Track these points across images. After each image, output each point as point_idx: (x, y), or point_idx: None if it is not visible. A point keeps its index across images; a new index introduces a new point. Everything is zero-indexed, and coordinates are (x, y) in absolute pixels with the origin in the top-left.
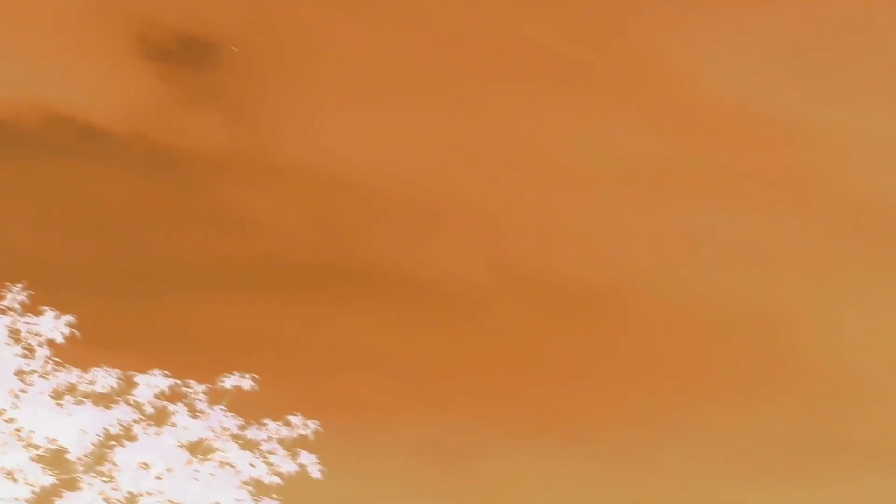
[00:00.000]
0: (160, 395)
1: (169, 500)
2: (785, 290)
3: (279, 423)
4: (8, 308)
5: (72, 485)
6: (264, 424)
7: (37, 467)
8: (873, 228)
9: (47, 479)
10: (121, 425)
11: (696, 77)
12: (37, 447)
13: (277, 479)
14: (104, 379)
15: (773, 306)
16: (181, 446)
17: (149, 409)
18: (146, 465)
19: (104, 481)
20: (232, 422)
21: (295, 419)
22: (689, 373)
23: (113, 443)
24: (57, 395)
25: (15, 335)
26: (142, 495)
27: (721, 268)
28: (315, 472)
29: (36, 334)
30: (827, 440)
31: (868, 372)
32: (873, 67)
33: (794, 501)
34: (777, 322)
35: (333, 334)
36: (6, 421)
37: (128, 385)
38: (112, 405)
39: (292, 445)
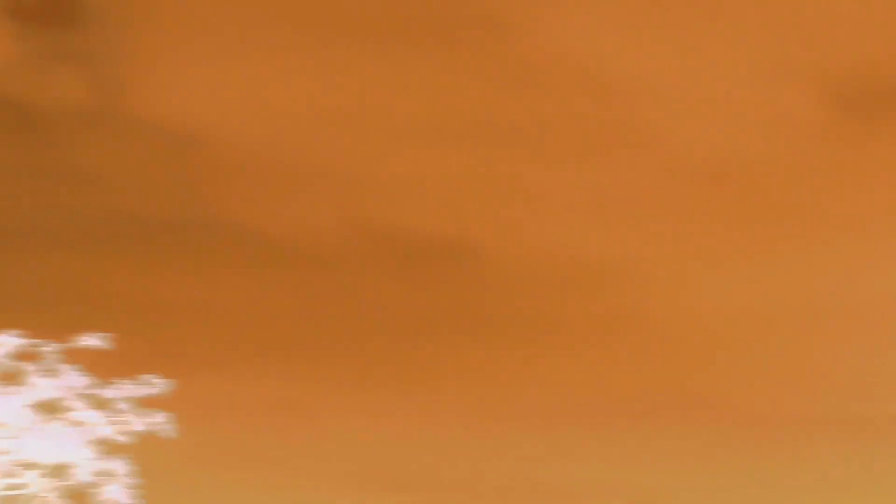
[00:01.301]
0: (13, 355)
1: (19, 460)
2: (630, 245)
3: (132, 382)
4: None
5: None
6: (117, 383)
7: None
8: (712, 183)
9: None
10: None
11: (540, 32)
12: None
13: (128, 438)
14: None
15: (619, 261)
16: (33, 405)
17: (1, 369)
18: None
19: None
20: (84, 381)
21: (148, 377)
22: (538, 327)
23: None
24: None
25: None
26: None
27: (567, 222)
28: (166, 430)
29: None
30: (676, 394)
31: (715, 327)
32: (709, 25)
33: (645, 456)
34: (623, 276)
35: (188, 292)
36: None
37: None
38: None
39: (144, 404)
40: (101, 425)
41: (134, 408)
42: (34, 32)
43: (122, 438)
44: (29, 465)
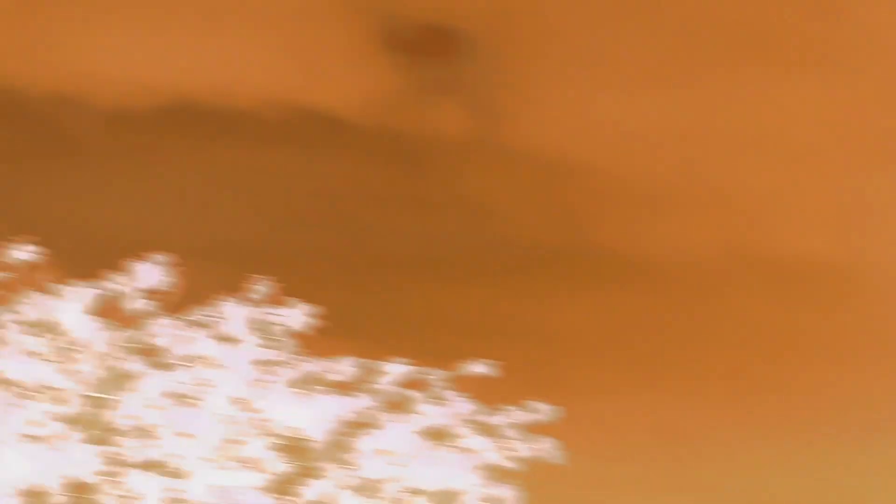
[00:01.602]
0: (400, 383)
1: (408, 487)
2: None
3: (517, 408)
4: (253, 300)
5: (312, 473)
6: (502, 410)
7: (276, 455)
8: None
9: (286, 467)
10: (361, 413)
11: None
12: (277, 435)
13: (515, 465)
14: (345, 368)
15: None
16: (420, 433)
17: (389, 397)
18: (386, 452)
19: (344, 469)
20: (471, 407)
21: (533, 404)
22: None
23: (354, 430)
24: (299, 385)
25: (258, 326)
26: (381, 482)
27: None
28: (554, 456)
29: (279, 325)
30: None
31: None
32: None
33: None
34: None
35: (569, 318)
36: (248, 410)
37: (368, 373)
38: (353, 393)
39: (531, 430)
40: (488, 452)
41: (520, 434)
42: (414, 64)
43: (509, 465)
44: (416, 492)
